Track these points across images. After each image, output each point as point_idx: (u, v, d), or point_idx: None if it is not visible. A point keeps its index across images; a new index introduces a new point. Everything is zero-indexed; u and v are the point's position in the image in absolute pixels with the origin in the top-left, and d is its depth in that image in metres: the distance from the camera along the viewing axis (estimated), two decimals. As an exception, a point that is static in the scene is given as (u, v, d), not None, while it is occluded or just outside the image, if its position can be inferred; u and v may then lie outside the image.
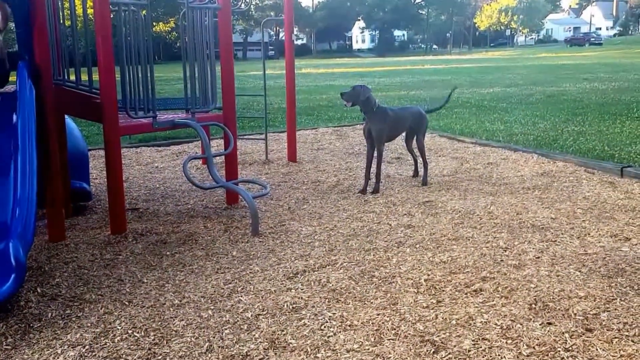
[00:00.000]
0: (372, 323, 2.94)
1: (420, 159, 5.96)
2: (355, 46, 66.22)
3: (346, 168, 6.69)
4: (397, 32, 73.57)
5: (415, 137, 5.92)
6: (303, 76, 25.86)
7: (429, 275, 3.54)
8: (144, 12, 4.67)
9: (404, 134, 6.01)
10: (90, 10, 4.60)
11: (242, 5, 7.47)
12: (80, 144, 5.43)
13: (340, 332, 2.87)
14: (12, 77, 4.17)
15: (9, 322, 2.98)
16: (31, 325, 2.97)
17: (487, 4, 76.20)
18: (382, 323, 2.94)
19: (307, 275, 3.58)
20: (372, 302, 3.19)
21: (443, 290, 3.33)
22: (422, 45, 73.32)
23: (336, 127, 9.92)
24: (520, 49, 66.25)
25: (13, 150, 3.76)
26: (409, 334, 2.83)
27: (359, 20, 65.51)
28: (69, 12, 4.85)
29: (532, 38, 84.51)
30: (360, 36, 69.30)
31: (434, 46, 73.55)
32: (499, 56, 45.34)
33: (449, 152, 7.50)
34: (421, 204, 5.13)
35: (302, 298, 3.26)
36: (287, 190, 5.74)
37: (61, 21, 4.92)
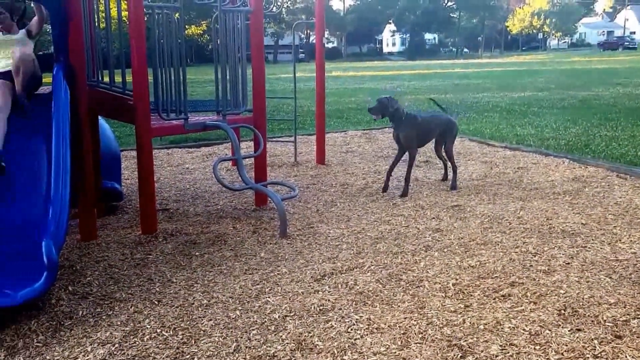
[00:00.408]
0: (399, 326, 2.92)
1: (450, 164, 5.91)
2: (385, 49, 66.02)
3: (375, 171, 6.65)
4: (427, 36, 73.16)
5: (444, 144, 5.85)
6: (333, 79, 25.87)
7: (457, 279, 3.50)
8: (176, 15, 4.71)
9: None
10: (124, 13, 4.68)
11: (274, 8, 7.50)
12: (113, 144, 5.50)
13: (367, 335, 2.84)
14: (47, 79, 4.23)
15: (40, 320, 3.03)
16: (62, 323, 3.02)
17: (520, 7, 75.27)
18: (409, 327, 2.91)
19: (334, 278, 3.56)
20: (399, 306, 3.16)
21: (471, 295, 3.28)
22: (453, 49, 72.77)
23: (365, 130, 9.89)
24: (552, 52, 65.29)
25: (47, 151, 3.83)
26: (436, 338, 2.80)
27: (390, 23, 65.30)
28: (103, 14, 4.93)
29: (565, 42, 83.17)
30: (390, 39, 69.07)
31: (465, 50, 72.92)
32: (530, 60, 44.73)
33: (478, 157, 7.41)
34: (450, 208, 5.08)
35: (329, 300, 3.24)
36: (316, 193, 5.73)
37: (96, 23, 5.00)
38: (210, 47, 29.38)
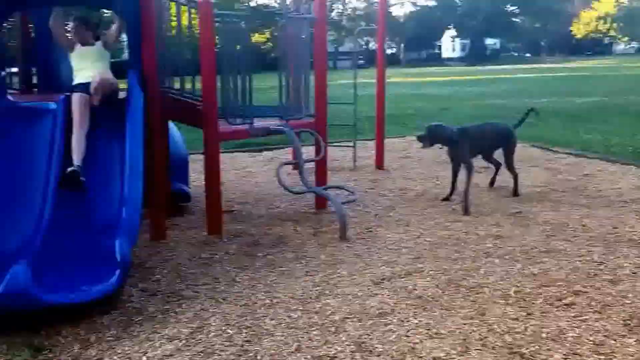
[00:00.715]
0: (459, 332, 2.88)
1: (510, 173, 5.65)
2: (445, 55, 65.08)
3: (433, 176, 6.58)
4: (488, 41, 71.69)
5: (503, 154, 5.61)
6: (392, 85, 25.66)
7: (518, 286, 3.42)
8: (242, 23, 4.81)
9: None
10: (193, 22, 4.81)
11: (345, 17, 7.54)
12: (181, 148, 5.66)
13: (426, 339, 2.82)
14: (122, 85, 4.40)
15: (112, 315, 3.15)
16: (132, 318, 3.12)
17: (585, 11, 72.70)
18: (470, 333, 2.87)
19: (393, 282, 3.55)
20: (459, 312, 3.11)
21: (533, 303, 3.20)
22: (515, 54, 71.02)
23: (424, 136, 9.77)
24: (618, 57, 62.80)
25: (121, 154, 3.98)
26: (497, 345, 2.75)
27: (450, 29, 64.39)
28: (173, 22, 5.07)
29: (632, 47, 79.76)
30: (450, 45, 68.05)
31: (527, 54, 71.02)
32: (596, 65, 43.17)
33: (541, 163, 7.21)
34: (511, 214, 4.96)
35: (388, 304, 3.24)
36: (374, 197, 5.72)
37: (167, 32, 5.15)
38: (271, 54, 29.79)
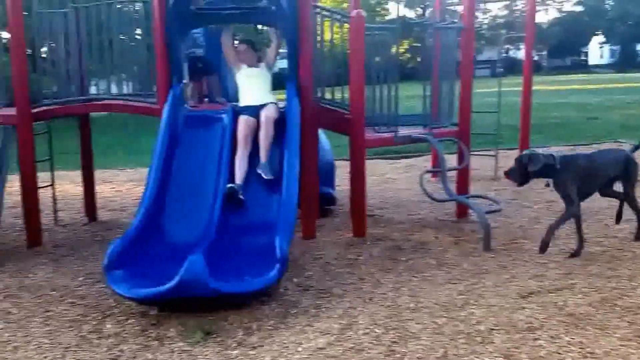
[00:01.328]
0: (616, 354, 2.69)
1: (632, 210, 4.42)
2: (591, 62, 60.66)
3: (582, 189, 6.18)
4: (640, 47, 65.83)
5: (622, 187, 4.39)
6: (534, 93, 24.45)
7: (681, 311, 3.13)
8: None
9: None
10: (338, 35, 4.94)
11: (486, 25, 7.36)
12: (329, 154, 5.83)
13: (579, 358, 2.67)
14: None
15: (271, 306, 3.33)
16: (289, 311, 3.29)
17: None
18: (627, 355, 2.68)
19: (541, 296, 3.40)
20: (614, 332, 2.91)
21: (700, 331, 2.91)
22: (670, 60, 64.45)
23: (570, 147, 9.23)
24: None
25: (280, 157, 4.20)
26: (659, 372, 2.54)
27: (597, 34, 59.95)
28: (320, 36, 5.23)
29: None
30: (598, 51, 63.31)
31: (685, 61, 64.15)
32: None
33: None
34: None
35: (537, 318, 3.10)
36: (518, 208, 5.51)
37: (318, 45, 5.33)
38: (409, 64, 29.63)
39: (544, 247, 4.10)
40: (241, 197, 4.01)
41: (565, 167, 4.06)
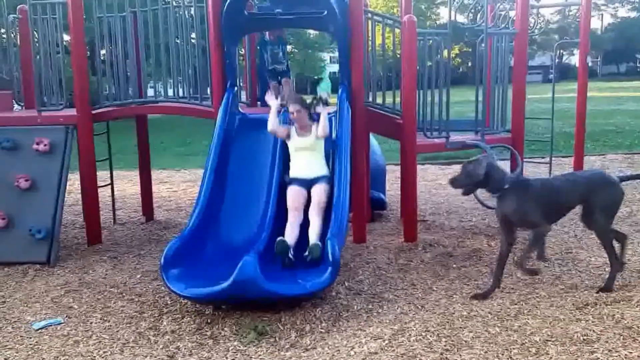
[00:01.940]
0: (679, 371, 2.58)
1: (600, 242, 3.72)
2: (648, 68, 58.46)
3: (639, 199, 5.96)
4: (701, 53, 62.95)
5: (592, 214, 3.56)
6: (588, 99, 23.72)
7: None
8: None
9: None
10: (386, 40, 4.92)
11: (536, 30, 7.21)
12: (380, 158, 5.81)
13: (640, 373, 2.58)
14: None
15: (324, 309, 3.34)
16: (340, 314, 3.29)
17: None
18: (692, 374, 2.56)
19: (598, 308, 3.29)
20: (678, 349, 2.79)
21: None
22: None
23: (627, 155, 8.93)
24: None
25: (331, 161, 4.21)
26: None
27: (655, 40, 57.74)
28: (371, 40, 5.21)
29: None
30: (654, 57, 60.97)
31: None
32: None
33: None
34: None
35: (593, 331, 3.01)
36: (573, 217, 5.30)
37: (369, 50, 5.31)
38: (460, 69, 29.29)
39: (532, 272, 3.56)
40: (291, 257, 3.64)
41: (513, 191, 3.44)
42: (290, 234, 3.76)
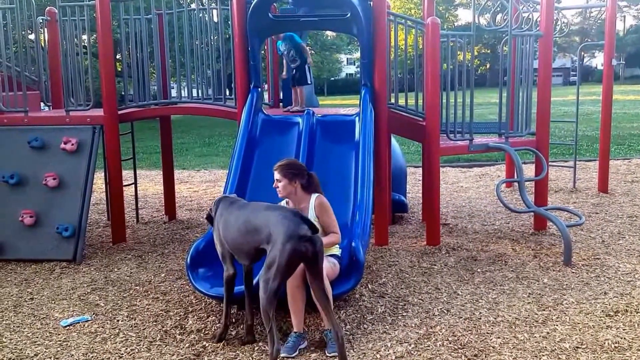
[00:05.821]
0: None
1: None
2: (671, 71, 57.44)
3: (668, 205, 5.84)
4: None
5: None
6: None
7: None
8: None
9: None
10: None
11: (558, 32, 7.09)
12: (401, 160, 5.76)
13: (675, 384, 2.51)
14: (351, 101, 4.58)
15: (347, 311, 3.31)
16: (365, 317, 3.25)
17: None
18: None
19: (629, 316, 3.22)
20: None
21: None
22: None
23: (654, 160, 8.75)
24: None
25: (354, 163, 4.17)
26: None
27: (678, 43, 56.68)
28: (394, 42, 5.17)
29: None
30: (678, 60, 59.87)
31: None
32: None
33: None
34: None
35: (624, 339, 2.94)
36: (599, 222, 5.25)
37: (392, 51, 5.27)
38: (478, 71, 29.06)
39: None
40: None
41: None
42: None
